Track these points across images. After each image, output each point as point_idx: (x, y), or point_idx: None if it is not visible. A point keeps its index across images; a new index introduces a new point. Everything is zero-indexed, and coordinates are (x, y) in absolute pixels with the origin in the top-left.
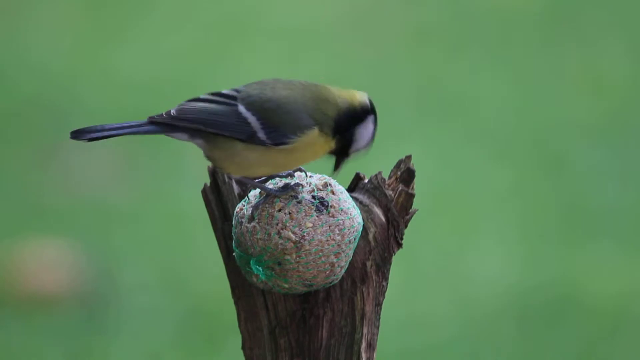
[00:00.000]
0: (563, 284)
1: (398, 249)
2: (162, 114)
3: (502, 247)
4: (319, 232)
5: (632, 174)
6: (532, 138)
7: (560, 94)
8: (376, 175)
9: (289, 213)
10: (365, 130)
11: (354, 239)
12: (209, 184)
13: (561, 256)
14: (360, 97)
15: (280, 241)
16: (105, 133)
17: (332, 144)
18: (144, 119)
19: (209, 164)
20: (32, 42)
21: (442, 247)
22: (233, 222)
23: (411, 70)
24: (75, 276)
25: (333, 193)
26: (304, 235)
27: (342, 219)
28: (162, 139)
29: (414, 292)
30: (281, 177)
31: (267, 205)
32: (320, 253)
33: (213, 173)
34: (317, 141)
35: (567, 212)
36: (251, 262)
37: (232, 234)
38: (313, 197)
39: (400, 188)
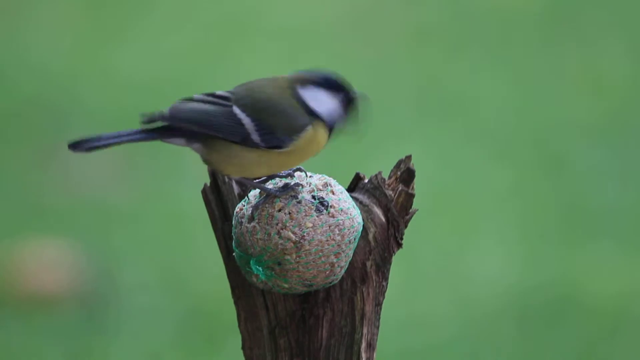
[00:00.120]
0: (563, 284)
1: (398, 249)
2: (154, 114)
3: (502, 247)
4: (319, 232)
5: (632, 174)
6: (532, 138)
7: (560, 94)
8: (376, 175)
9: (289, 213)
10: (321, 102)
11: (354, 239)
12: (209, 184)
13: (561, 256)
14: (289, 79)
15: (280, 241)
16: (103, 142)
17: (325, 134)
18: (139, 123)
19: None
20: (32, 42)
21: (442, 247)
22: (233, 222)
23: (411, 70)
24: (75, 276)
25: (333, 193)
26: (304, 235)
27: (342, 219)
28: None
29: (414, 292)
30: (281, 177)
31: (267, 205)
32: (320, 253)
33: (213, 173)
34: (313, 138)
35: (567, 212)
36: (251, 262)
37: (232, 234)
38: (313, 197)
39: (400, 188)
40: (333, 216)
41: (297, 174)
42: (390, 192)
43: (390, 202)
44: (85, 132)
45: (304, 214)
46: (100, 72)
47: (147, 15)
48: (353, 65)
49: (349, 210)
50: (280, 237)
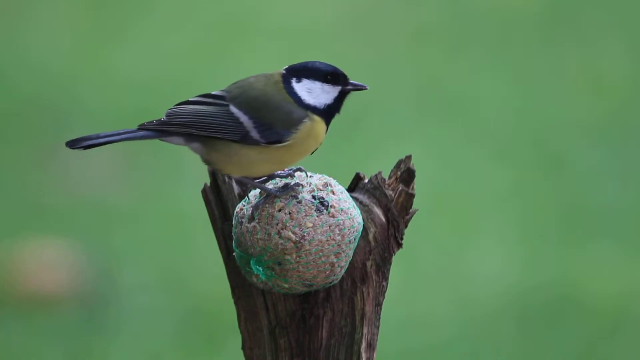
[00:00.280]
0: (563, 284)
1: (398, 249)
2: (152, 121)
3: (502, 247)
4: (319, 232)
5: (632, 174)
6: (532, 138)
7: (560, 94)
8: (376, 175)
9: (289, 213)
10: (310, 92)
11: (354, 239)
12: (209, 184)
13: (561, 256)
14: (278, 74)
15: (281, 241)
16: (101, 140)
17: (323, 124)
18: (139, 123)
19: None
20: (32, 42)
21: (442, 247)
22: (233, 222)
23: (411, 70)
24: (75, 276)
25: (333, 193)
26: (304, 235)
27: (342, 219)
28: None
29: (414, 292)
30: (281, 177)
31: (267, 205)
32: (320, 253)
33: (213, 173)
34: (312, 129)
35: (567, 212)
36: (251, 262)
37: (232, 234)
38: (313, 197)
39: (400, 188)
40: (333, 216)
41: (297, 174)
42: (391, 192)
43: (391, 202)
44: (85, 132)
45: (304, 214)
46: (100, 72)
47: (147, 15)
48: (353, 65)
49: (349, 210)
50: (280, 237)
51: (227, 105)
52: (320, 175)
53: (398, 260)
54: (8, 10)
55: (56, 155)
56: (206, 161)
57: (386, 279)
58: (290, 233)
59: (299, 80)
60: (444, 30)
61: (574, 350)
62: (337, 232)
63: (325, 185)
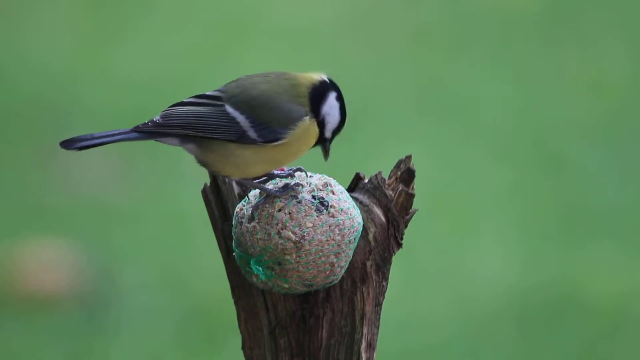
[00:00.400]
0: (563, 284)
1: (398, 249)
2: (147, 123)
3: (502, 247)
4: (319, 232)
5: (632, 174)
6: (532, 138)
7: (560, 94)
8: (376, 175)
9: (289, 213)
10: (329, 106)
11: (354, 239)
12: (209, 184)
13: (561, 256)
14: (318, 76)
15: (280, 241)
16: (95, 141)
17: (317, 127)
18: (139, 123)
19: None
20: (32, 42)
21: (442, 247)
22: (233, 222)
23: (411, 70)
24: (75, 276)
25: (333, 193)
26: (304, 235)
27: (342, 219)
28: None
29: (414, 292)
30: (281, 177)
31: (267, 205)
32: (320, 253)
33: (212, 173)
34: (308, 129)
35: (567, 212)
36: (251, 262)
37: (232, 234)
38: (313, 197)
39: (400, 188)
40: (333, 216)
41: (297, 174)
42: (390, 192)
43: (390, 202)
44: (85, 132)
45: (304, 214)
46: (100, 72)
47: (147, 15)
48: (353, 65)
49: (349, 210)
50: (280, 237)
51: (223, 105)
52: (320, 175)
53: (398, 260)
54: (8, 10)
55: (56, 155)
56: (202, 162)
57: (386, 279)
58: (290, 233)
59: (328, 93)
60: (444, 30)
61: (574, 350)
62: (337, 232)
63: (325, 185)
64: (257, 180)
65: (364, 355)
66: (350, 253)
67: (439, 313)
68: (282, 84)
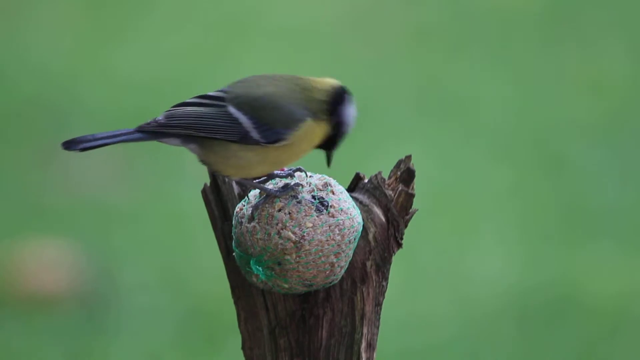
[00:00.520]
0: (563, 284)
1: (398, 249)
2: (149, 123)
3: (502, 247)
4: (319, 232)
5: (632, 174)
6: (532, 138)
7: (560, 94)
8: (376, 175)
9: (289, 213)
10: (349, 110)
11: (354, 239)
12: (209, 184)
13: (561, 256)
14: (334, 81)
15: (280, 241)
16: (98, 142)
17: (327, 129)
18: (140, 123)
19: None
20: (32, 42)
21: (442, 247)
22: (233, 222)
23: (411, 70)
24: (75, 276)
25: (333, 193)
26: (304, 235)
27: (342, 219)
28: None
29: (414, 292)
30: (281, 177)
31: (267, 205)
32: (320, 253)
33: (213, 173)
34: (312, 130)
35: (567, 212)
36: (251, 262)
37: (232, 234)
38: (313, 197)
39: (400, 188)
40: (333, 216)
41: (297, 174)
42: (390, 192)
43: (390, 202)
44: (85, 132)
45: (304, 214)
46: (100, 72)
47: (147, 15)
48: (353, 65)
49: (349, 210)
50: (280, 237)
51: (225, 106)
52: (320, 175)
53: (398, 260)
54: (8, 10)
55: (56, 155)
56: (203, 162)
57: (386, 279)
58: (290, 233)
59: (349, 99)
60: (444, 30)
61: (574, 350)
62: (337, 232)
63: (325, 185)
64: (257, 180)
65: (364, 355)
66: (350, 253)
67: (439, 313)
68: (290, 87)
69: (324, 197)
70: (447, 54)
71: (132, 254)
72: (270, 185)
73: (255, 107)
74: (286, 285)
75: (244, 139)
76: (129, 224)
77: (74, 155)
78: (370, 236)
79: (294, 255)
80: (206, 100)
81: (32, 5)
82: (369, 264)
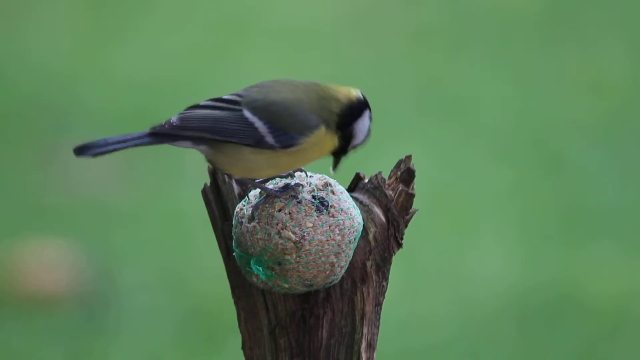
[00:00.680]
0: (563, 284)
1: (398, 249)
2: (163, 125)
3: (502, 247)
4: (319, 232)
5: (632, 174)
6: (532, 138)
7: (560, 94)
8: (376, 175)
9: (289, 213)
10: (362, 125)
11: (354, 239)
12: (209, 184)
13: (561, 256)
14: (356, 92)
15: (281, 241)
16: (109, 147)
17: (336, 141)
18: (147, 128)
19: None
20: (32, 42)
21: (442, 247)
22: (233, 222)
23: (411, 70)
24: (75, 276)
25: (333, 193)
26: (304, 235)
27: (342, 219)
28: None
29: (414, 292)
30: (281, 177)
31: (267, 205)
32: (320, 253)
33: (213, 173)
34: (323, 139)
35: (567, 212)
36: (251, 262)
37: (232, 234)
38: (313, 197)
39: (400, 188)
40: (333, 216)
41: (297, 174)
42: (391, 192)
43: (391, 202)
44: (85, 132)
45: (304, 214)
46: (100, 72)
47: (147, 15)
48: (353, 65)
49: (349, 210)
50: (280, 237)
51: (241, 110)
52: (320, 175)
53: (398, 260)
54: (8, 10)
55: (56, 155)
56: (211, 162)
57: (386, 279)
58: (290, 233)
59: (363, 112)
60: (444, 30)
61: (574, 350)
62: (337, 232)
63: (325, 185)
64: (258, 180)
65: (364, 355)
66: (351, 253)
67: (439, 313)
68: (308, 94)
69: (324, 197)
70: (447, 54)
71: (132, 254)
72: (270, 185)
73: (272, 111)
74: (286, 285)
75: (258, 143)
76: (129, 224)
77: (74, 156)
78: (371, 236)
79: (294, 255)
80: (221, 103)
81: (32, 5)
82: (369, 264)
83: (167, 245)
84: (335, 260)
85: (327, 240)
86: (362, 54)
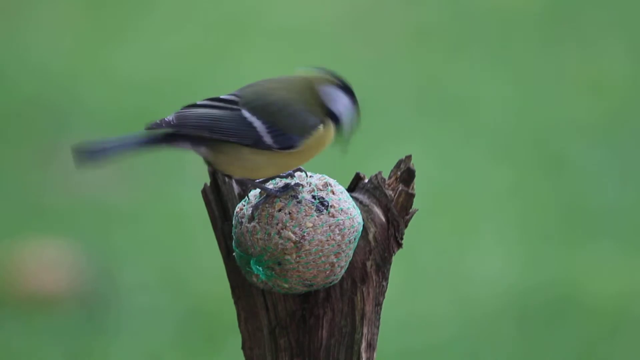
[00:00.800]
0: (563, 284)
1: (398, 249)
2: (159, 122)
3: (502, 247)
4: (319, 232)
5: (632, 174)
6: (532, 138)
7: (560, 94)
8: (376, 175)
9: (289, 213)
10: (339, 102)
11: (354, 239)
12: (209, 184)
13: (561, 256)
14: (321, 78)
15: (281, 241)
16: (109, 154)
17: (333, 131)
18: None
19: None
20: (32, 42)
21: (442, 247)
22: (233, 222)
23: (411, 70)
24: (75, 276)
25: (333, 193)
26: (304, 235)
27: (342, 219)
28: None
29: (414, 292)
30: (281, 177)
31: (267, 205)
32: (320, 253)
33: (213, 173)
34: (322, 136)
35: (567, 212)
36: (251, 262)
37: (232, 234)
38: (313, 197)
39: (400, 188)
40: (333, 216)
41: (297, 174)
42: (391, 192)
43: (391, 202)
44: (85, 132)
45: (304, 214)
46: (100, 72)
47: (147, 15)
48: (353, 65)
49: (349, 210)
50: (280, 237)
51: (239, 110)
52: (320, 175)
53: (398, 260)
54: (8, 10)
55: (56, 155)
56: (211, 163)
57: (386, 279)
58: (290, 233)
59: (326, 87)
60: (444, 30)
61: (574, 350)
62: (337, 232)
63: (325, 185)
64: (258, 180)
65: (364, 355)
66: (350, 253)
67: (439, 313)
68: (300, 91)
69: (324, 197)
70: (447, 54)
71: (132, 254)
72: (270, 185)
73: (270, 112)
74: (286, 285)
75: (257, 143)
76: (129, 224)
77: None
78: (371, 236)
79: (294, 255)
80: (219, 103)
81: (32, 5)
82: (369, 264)
83: (167, 245)
84: (335, 260)
85: (327, 240)
86: (362, 54)
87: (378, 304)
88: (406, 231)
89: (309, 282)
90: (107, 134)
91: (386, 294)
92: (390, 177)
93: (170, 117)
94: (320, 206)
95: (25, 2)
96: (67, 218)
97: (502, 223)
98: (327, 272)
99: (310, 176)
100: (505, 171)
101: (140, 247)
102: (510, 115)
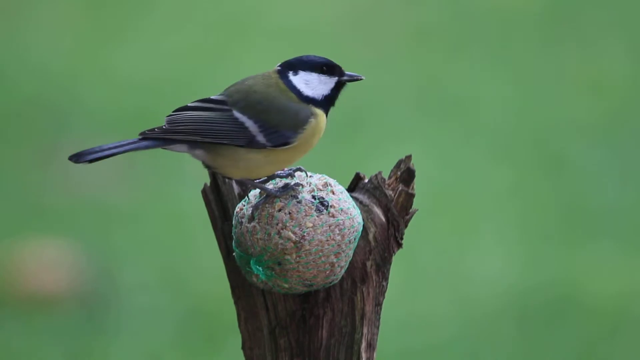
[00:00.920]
0: (563, 284)
1: (398, 249)
2: (153, 129)
3: (502, 247)
4: (319, 232)
5: (632, 174)
6: (532, 138)
7: (560, 94)
8: (376, 175)
9: (289, 213)
10: (305, 81)
11: (354, 239)
12: (209, 184)
13: (561, 256)
14: (273, 70)
15: (280, 241)
16: (105, 153)
17: (324, 116)
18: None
19: None
20: (32, 42)
21: (442, 247)
22: (233, 222)
23: (411, 70)
24: (75, 276)
25: (333, 193)
26: (304, 235)
27: (342, 219)
28: None
29: (414, 292)
30: (281, 177)
31: (267, 205)
32: (320, 253)
33: (213, 173)
34: (315, 127)
35: (567, 212)
36: (251, 262)
37: (232, 234)
38: (313, 197)
39: (400, 188)
40: (333, 216)
41: (297, 174)
42: (391, 192)
43: (391, 202)
44: (85, 132)
45: (304, 213)
46: (100, 72)
47: (147, 15)
48: (353, 65)
49: (349, 210)
50: (280, 237)
51: (230, 110)
52: (320, 175)
53: (398, 260)
54: (8, 10)
55: (56, 155)
56: (210, 167)
57: (386, 279)
58: (290, 233)
59: (295, 73)
60: (444, 30)
61: (574, 350)
62: (337, 232)
63: (325, 185)
64: (258, 180)
65: (364, 355)
66: (350, 253)
67: (439, 313)
68: (271, 84)
69: (324, 197)
70: (447, 54)
71: (132, 254)
72: (270, 185)
73: (259, 110)
74: (286, 285)
75: (250, 143)
76: (129, 224)
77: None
78: (371, 236)
79: (294, 255)
80: (210, 104)
81: (32, 5)
82: (369, 264)
83: (167, 245)
84: (335, 260)
85: (327, 240)
86: (362, 54)
87: (378, 304)
88: (406, 231)
89: (309, 282)
90: (107, 134)
91: (386, 294)
92: (390, 177)
93: (164, 125)
94: (320, 206)
95: (25, 2)
96: (67, 218)
97: (502, 223)
98: (327, 272)
99: (310, 176)
100: (505, 171)
101: (140, 247)
102: (510, 115)
